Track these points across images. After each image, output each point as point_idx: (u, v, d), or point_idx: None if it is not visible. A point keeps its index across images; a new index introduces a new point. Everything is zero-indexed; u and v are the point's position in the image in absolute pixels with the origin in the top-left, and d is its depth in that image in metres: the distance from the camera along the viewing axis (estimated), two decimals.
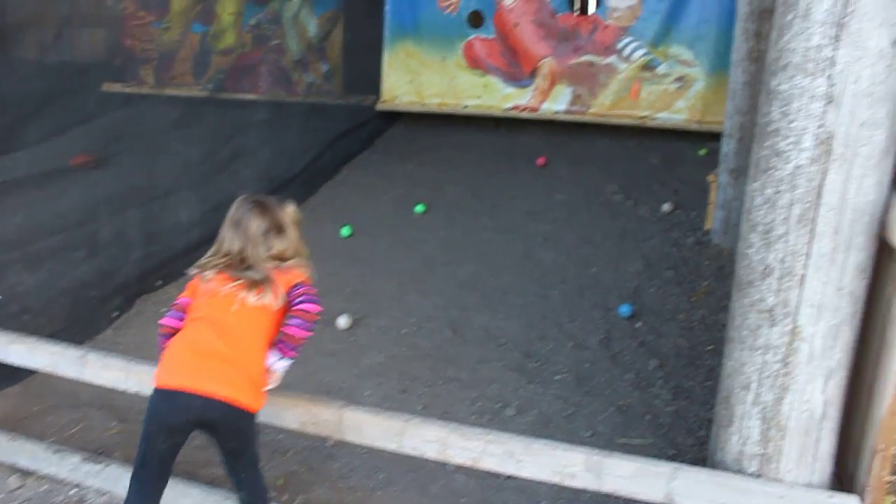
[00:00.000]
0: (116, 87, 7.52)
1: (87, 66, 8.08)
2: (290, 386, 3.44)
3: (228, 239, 2.43)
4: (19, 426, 3.31)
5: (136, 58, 7.74)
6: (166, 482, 2.34)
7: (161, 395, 2.27)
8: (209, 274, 2.40)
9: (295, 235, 2.48)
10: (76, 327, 4.09)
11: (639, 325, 3.99)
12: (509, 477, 2.90)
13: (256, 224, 2.40)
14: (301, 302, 2.36)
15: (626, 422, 3.25)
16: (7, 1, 8.04)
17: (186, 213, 5.29)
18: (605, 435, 3.16)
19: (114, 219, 5.16)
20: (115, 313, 4.38)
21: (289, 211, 2.50)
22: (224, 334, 2.31)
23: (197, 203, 5.38)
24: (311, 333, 2.40)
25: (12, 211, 5.11)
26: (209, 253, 2.46)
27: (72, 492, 2.95)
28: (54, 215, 5.16)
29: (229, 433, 2.32)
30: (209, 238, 5.21)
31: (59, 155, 5.97)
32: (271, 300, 2.35)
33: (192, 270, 2.46)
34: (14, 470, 3.05)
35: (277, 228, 2.42)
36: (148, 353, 3.00)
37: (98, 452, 3.07)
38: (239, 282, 2.35)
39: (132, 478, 2.30)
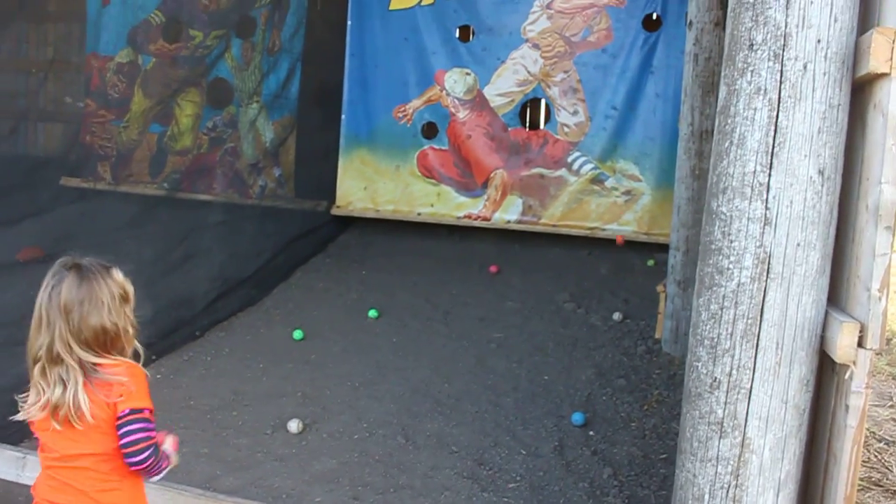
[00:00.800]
0: (74, 182, 7.52)
1: (44, 161, 8.10)
2: (237, 491, 3.40)
3: (36, 323, 1.98)
4: None
5: (94, 154, 7.78)
6: None
7: None
8: (31, 393, 2.00)
9: (119, 315, 1.99)
10: (15, 425, 3.98)
11: (592, 433, 4.02)
12: None
13: (68, 296, 1.95)
14: (128, 458, 1.96)
15: None
16: None
17: (137, 312, 5.23)
18: None
19: None
20: None
21: (115, 279, 2.03)
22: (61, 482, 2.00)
23: (148, 302, 5.30)
24: (161, 474, 2.03)
25: None
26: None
27: None
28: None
29: None
30: (160, 336, 5.18)
31: (8, 248, 5.90)
32: (85, 420, 1.94)
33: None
34: None
35: (96, 302, 1.96)
36: None
37: None
38: (41, 403, 1.95)
39: None
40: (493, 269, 6.24)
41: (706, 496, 2.15)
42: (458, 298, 5.79)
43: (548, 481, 3.61)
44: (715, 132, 2.19)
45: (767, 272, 2.05)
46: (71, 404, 1.92)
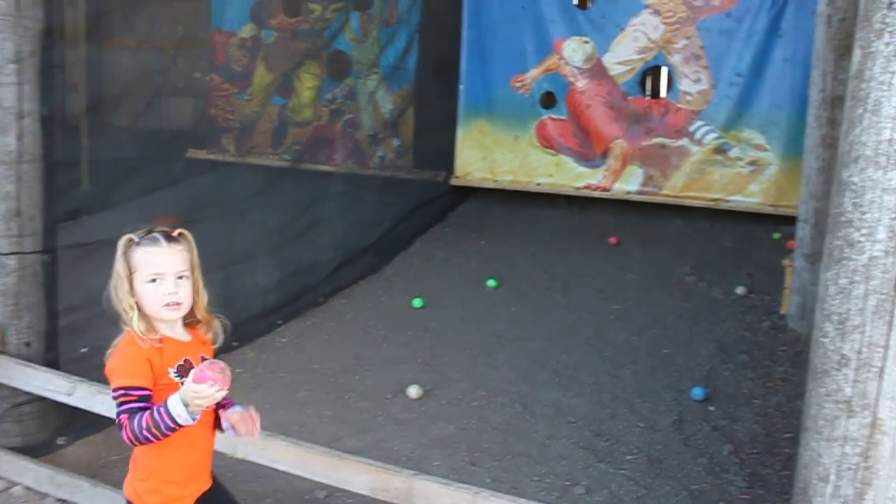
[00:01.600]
0: (200, 154, 7.87)
1: (174, 134, 8.52)
2: (359, 452, 3.53)
3: None
4: (99, 473, 3.44)
5: (218, 127, 8.11)
6: None
7: None
8: None
9: (116, 289, 2.05)
10: None
11: (712, 408, 3.95)
12: None
13: None
14: None
15: None
16: (107, 74, 8.59)
17: (264, 278, 5.49)
18: None
19: None
20: None
21: (119, 255, 2.08)
22: None
23: (274, 268, 5.57)
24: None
25: (100, 268, 5.34)
26: None
27: None
28: None
29: None
30: (286, 302, 5.38)
31: (146, 216, 6.24)
32: None
33: None
34: None
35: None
36: None
37: None
38: None
39: None
40: (612, 240, 6.17)
41: (832, 476, 2.10)
42: (577, 269, 5.77)
43: (666, 455, 3.58)
44: (847, 98, 2.09)
45: None
46: None
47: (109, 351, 2.06)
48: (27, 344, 3.62)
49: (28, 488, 3.36)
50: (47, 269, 3.72)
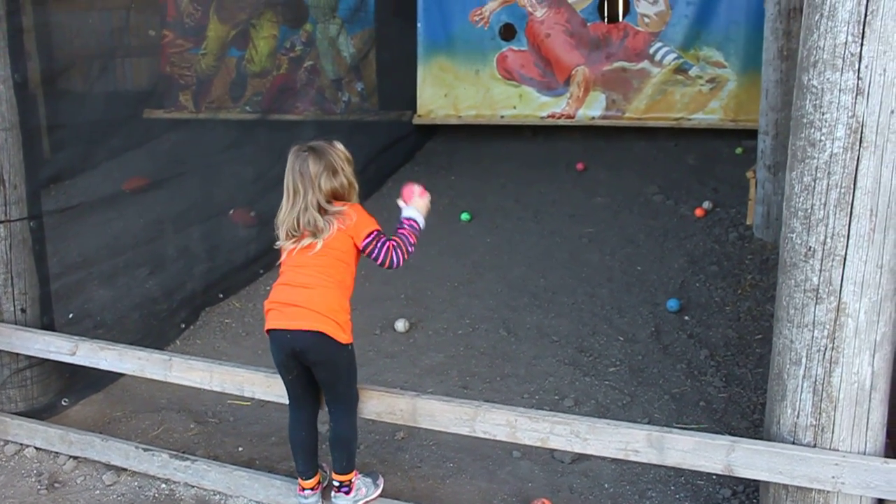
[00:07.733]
0: (158, 114, 7.78)
1: (132, 95, 8.40)
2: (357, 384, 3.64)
3: (290, 196, 2.65)
4: (106, 430, 3.52)
5: (175, 84, 8.02)
6: (307, 406, 2.79)
7: (269, 336, 2.70)
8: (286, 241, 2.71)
9: (349, 172, 2.72)
10: (147, 340, 4.29)
11: (687, 318, 4.14)
12: (573, 461, 3.07)
13: (315, 169, 2.61)
14: (384, 266, 2.75)
15: (681, 409, 3.41)
16: (56, 39, 8.41)
17: (243, 229, 5.54)
18: (660, 421, 3.31)
19: (175, 236, 5.40)
20: (183, 325, 4.59)
21: (339, 149, 2.70)
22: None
23: (254, 218, 5.62)
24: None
25: (78, 233, 5.36)
26: None
27: (162, 486, 3.16)
28: (118, 236, 5.42)
29: (320, 362, 2.68)
30: (266, 251, 5.44)
31: (116, 180, 6.23)
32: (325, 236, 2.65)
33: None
34: (108, 467, 3.27)
35: (333, 169, 2.65)
36: (218, 359, 3.23)
37: (182, 452, 3.28)
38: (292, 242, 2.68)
39: None
40: (579, 166, 6.29)
41: (803, 359, 2.26)
42: (547, 197, 5.89)
43: (647, 364, 3.76)
44: (805, 6, 2.20)
45: (860, 142, 2.10)
46: (316, 228, 2.60)
47: (337, 219, 2.63)
48: (23, 310, 3.64)
49: (39, 449, 3.44)
50: (35, 235, 3.71)
